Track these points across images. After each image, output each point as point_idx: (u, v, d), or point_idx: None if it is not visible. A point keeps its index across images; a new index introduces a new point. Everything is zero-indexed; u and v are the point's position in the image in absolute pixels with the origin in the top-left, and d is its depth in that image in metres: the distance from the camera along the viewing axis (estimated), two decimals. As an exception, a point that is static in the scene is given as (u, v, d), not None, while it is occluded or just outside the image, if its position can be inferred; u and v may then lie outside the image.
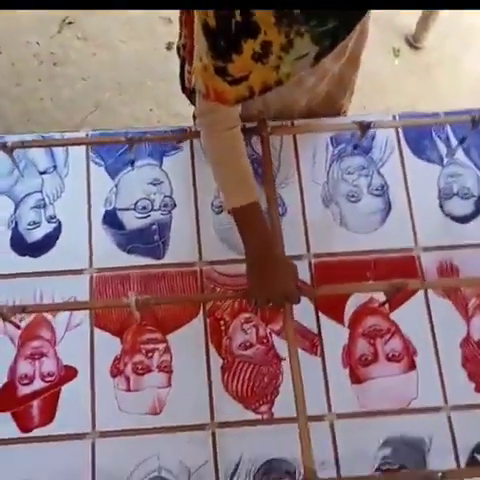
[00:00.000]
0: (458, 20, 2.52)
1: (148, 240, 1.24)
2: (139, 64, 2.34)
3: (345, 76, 1.34)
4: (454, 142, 1.34)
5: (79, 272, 1.21)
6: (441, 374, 1.15)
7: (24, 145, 1.21)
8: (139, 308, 1.02)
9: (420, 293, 1.20)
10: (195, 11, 0.98)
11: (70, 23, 2.53)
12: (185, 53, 1.25)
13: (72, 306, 1.16)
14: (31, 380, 1.14)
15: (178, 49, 1.31)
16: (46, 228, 1.25)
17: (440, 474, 0.93)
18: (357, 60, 1.34)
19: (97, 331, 1.16)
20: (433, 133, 1.34)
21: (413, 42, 2.47)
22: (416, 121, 1.34)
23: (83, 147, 1.31)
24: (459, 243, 1.24)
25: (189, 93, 1.36)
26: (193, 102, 1.38)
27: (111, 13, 2.55)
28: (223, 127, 1.12)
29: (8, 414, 1.12)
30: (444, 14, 2.38)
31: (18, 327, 1.16)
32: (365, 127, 1.22)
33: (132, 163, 1.31)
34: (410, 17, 2.46)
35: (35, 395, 1.13)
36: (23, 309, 1.06)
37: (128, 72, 2.33)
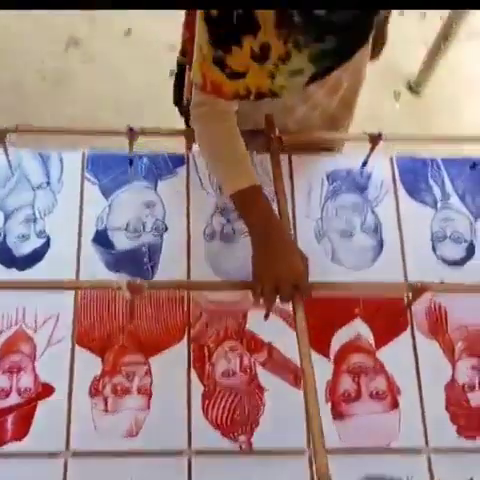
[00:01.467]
0: (460, 68, 2.58)
1: (137, 262, 1.23)
2: (141, 88, 2.37)
3: (338, 118, 1.36)
4: (449, 187, 1.35)
5: (60, 284, 1.19)
6: (424, 415, 1.13)
7: (18, 129, 1.21)
8: (131, 291, 1.01)
9: (407, 333, 1.19)
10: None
11: (76, 43, 2.57)
12: (185, 58, 1.25)
13: (58, 285, 1.13)
14: (7, 394, 1.11)
15: (179, 64, 1.32)
16: (35, 242, 1.23)
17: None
18: (351, 104, 1.36)
19: (78, 349, 1.14)
20: (429, 176, 1.35)
21: (414, 87, 2.52)
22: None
23: (79, 164, 1.31)
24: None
25: (183, 108, 1.36)
26: (187, 118, 1.38)
27: (116, 36, 2.60)
28: (219, 118, 1.12)
29: (-20, 428, 1.09)
30: (446, 61, 2.44)
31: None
32: (376, 138, 1.24)
33: (130, 163, 1.31)
34: (412, 62, 2.51)
35: (11, 410, 1.10)
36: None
37: (130, 95, 2.36)
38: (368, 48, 1.28)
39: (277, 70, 1.05)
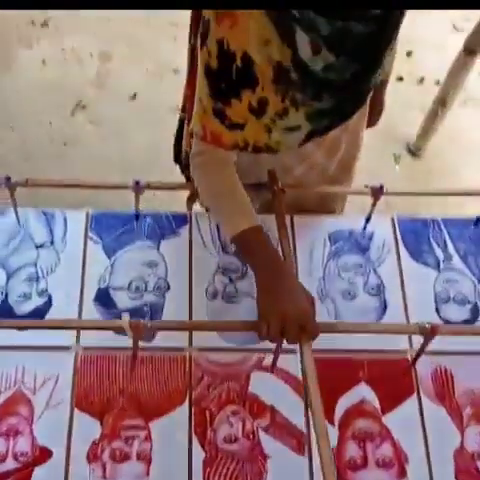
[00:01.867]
0: (458, 132, 2.63)
1: (139, 321, 1.22)
2: (147, 149, 2.42)
3: (337, 181, 1.38)
4: (451, 248, 1.35)
5: (65, 349, 1.17)
6: (433, 485, 1.09)
7: (28, 184, 1.24)
8: (134, 331, 1.00)
9: (413, 398, 1.16)
10: (199, 56, 1.02)
11: (84, 107, 2.63)
12: (186, 114, 1.27)
13: (59, 324, 1.13)
14: (3, 459, 1.07)
15: (180, 120, 1.34)
16: (36, 301, 1.23)
17: None
18: (350, 168, 1.38)
19: (77, 412, 1.12)
20: (430, 237, 1.36)
21: (414, 150, 2.56)
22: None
23: (82, 224, 1.32)
24: (455, 349, 1.21)
25: (183, 163, 1.37)
26: (186, 174, 1.39)
27: (122, 100, 2.66)
28: (219, 166, 1.13)
29: (-27, 495, 1.05)
30: (444, 126, 2.49)
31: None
32: (377, 192, 1.26)
33: (137, 218, 1.32)
34: (411, 126, 2.57)
35: (6, 475, 1.06)
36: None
37: (136, 156, 2.40)
38: (366, 112, 1.30)
39: (274, 125, 1.07)
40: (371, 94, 1.22)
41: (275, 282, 1.04)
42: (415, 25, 2.57)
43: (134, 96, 2.72)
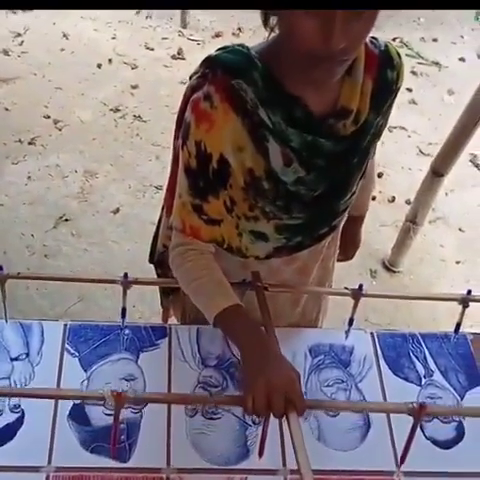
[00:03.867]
0: (431, 248, 2.72)
1: (115, 440, 1.17)
2: (128, 263, 2.44)
3: (307, 310, 1.40)
4: (431, 363, 1.35)
5: (35, 470, 1.11)
6: None
7: (19, 276, 1.28)
8: (116, 402, 0.99)
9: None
10: (181, 155, 1.06)
11: (66, 220, 2.68)
12: (164, 213, 1.30)
13: (40, 393, 1.09)
14: None
15: (159, 220, 1.37)
16: (8, 418, 1.17)
17: None
18: (320, 297, 1.41)
19: None
20: (411, 353, 1.36)
21: (389, 266, 2.63)
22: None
23: (60, 336, 1.30)
24: (442, 470, 1.17)
25: (156, 260, 1.39)
26: (159, 273, 1.41)
27: (105, 214, 2.72)
28: (197, 254, 1.14)
29: None
30: (417, 242, 2.57)
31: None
32: (357, 293, 1.28)
33: (123, 313, 1.30)
34: (385, 242, 2.65)
35: None
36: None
37: (116, 269, 2.41)
38: (337, 241, 1.33)
39: (242, 225, 1.10)
40: (345, 224, 1.26)
41: (259, 355, 1.02)
42: (385, 149, 2.73)
43: (117, 210, 2.78)
